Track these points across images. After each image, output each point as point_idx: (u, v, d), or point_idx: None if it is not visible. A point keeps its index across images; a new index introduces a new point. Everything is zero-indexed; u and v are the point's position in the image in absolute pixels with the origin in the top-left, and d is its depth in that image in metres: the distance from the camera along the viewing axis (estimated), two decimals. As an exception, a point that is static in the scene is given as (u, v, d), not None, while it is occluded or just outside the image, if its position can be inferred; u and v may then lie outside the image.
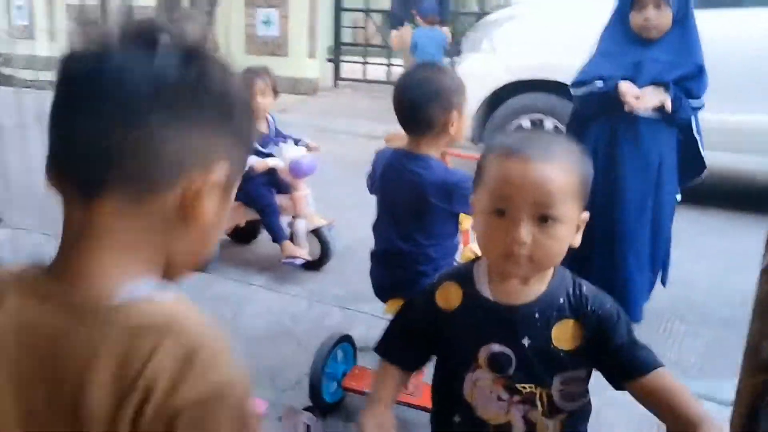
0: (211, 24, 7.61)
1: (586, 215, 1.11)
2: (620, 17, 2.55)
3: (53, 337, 0.64)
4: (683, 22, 2.46)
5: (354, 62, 9.14)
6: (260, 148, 3.15)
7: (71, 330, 0.63)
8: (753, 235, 1.64)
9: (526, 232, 1.02)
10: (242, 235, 3.53)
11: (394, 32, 7.11)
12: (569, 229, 1.07)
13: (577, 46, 4.39)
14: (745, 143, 4.02)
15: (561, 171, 1.05)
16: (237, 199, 2.93)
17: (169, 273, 0.72)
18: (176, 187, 0.66)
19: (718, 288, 3.09)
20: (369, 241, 2.09)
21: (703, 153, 2.61)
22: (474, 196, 1.14)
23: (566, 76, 4.48)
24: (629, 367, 1.08)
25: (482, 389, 1.13)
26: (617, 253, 2.59)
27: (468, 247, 2.28)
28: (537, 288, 1.12)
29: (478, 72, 4.74)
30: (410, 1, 6.68)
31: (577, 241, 1.10)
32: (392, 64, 8.71)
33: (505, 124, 4.62)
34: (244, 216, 3.31)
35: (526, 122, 4.62)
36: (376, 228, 2.06)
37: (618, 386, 1.11)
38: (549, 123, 4.56)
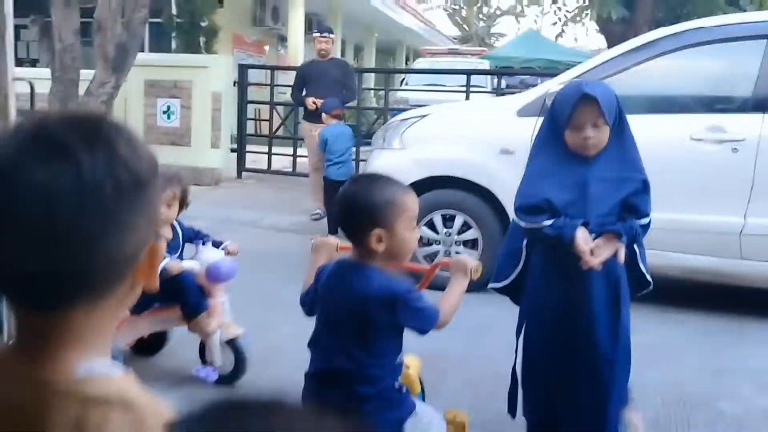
0: (109, 113, 7.34)
1: None
2: (554, 134, 2.37)
3: (20, 409, 0.70)
4: (620, 135, 2.33)
5: (259, 153, 9.06)
6: (167, 256, 2.92)
7: (34, 402, 0.70)
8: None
9: None
10: (146, 348, 3.23)
11: (305, 122, 7.11)
12: None
13: (485, 146, 4.64)
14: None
15: None
16: (145, 304, 2.72)
17: None
18: (129, 274, 0.73)
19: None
20: (284, 348, 1.93)
21: (643, 268, 2.44)
22: None
23: (475, 174, 4.68)
24: None
25: None
26: (596, 374, 2.36)
27: (409, 364, 2.16)
28: None
29: (390, 168, 4.75)
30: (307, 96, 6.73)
31: None
32: (298, 155, 8.70)
33: (419, 220, 4.62)
34: (149, 327, 3.03)
35: (437, 217, 4.66)
36: (313, 345, 1.91)
37: None
38: (460, 218, 4.62)
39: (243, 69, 9.11)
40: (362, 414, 1.75)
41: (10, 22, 2.47)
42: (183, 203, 3.02)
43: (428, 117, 4.86)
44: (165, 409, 0.73)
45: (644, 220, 2.34)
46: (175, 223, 3.08)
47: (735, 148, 3.94)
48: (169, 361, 3.22)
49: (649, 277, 2.48)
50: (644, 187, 2.34)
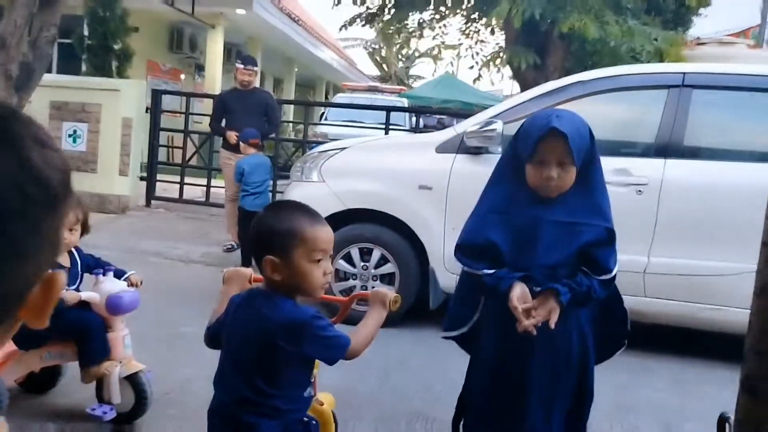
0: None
1: None
2: (513, 167, 2.12)
3: None
4: (588, 177, 2.06)
5: (170, 182, 8.76)
6: (66, 287, 2.72)
7: None
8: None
9: None
10: (37, 384, 2.97)
11: (223, 151, 6.92)
12: None
13: (403, 181, 4.65)
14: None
15: None
16: (38, 338, 2.51)
17: None
18: (18, 308, 0.59)
19: None
20: (188, 385, 1.81)
21: (627, 323, 2.31)
22: None
23: (393, 208, 4.68)
24: None
25: None
26: None
27: (318, 397, 2.07)
28: None
29: (309, 200, 4.67)
30: (231, 129, 6.58)
31: None
32: (212, 186, 8.47)
33: (335, 253, 4.57)
34: (40, 362, 2.79)
35: (354, 251, 4.62)
36: (218, 379, 1.79)
37: None
38: (377, 252, 4.59)
39: (157, 94, 8.85)
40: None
41: None
42: (84, 228, 2.84)
43: (347, 150, 4.84)
44: None
45: (605, 276, 2.06)
46: (74, 251, 2.88)
47: (639, 191, 4.13)
48: (63, 399, 2.97)
49: (626, 331, 2.29)
50: (608, 237, 2.07)
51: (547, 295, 1.99)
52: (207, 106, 9.37)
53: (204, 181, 8.61)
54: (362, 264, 4.63)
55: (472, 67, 11.05)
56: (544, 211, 2.04)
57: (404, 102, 15.50)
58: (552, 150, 1.98)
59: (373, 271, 4.62)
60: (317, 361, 1.87)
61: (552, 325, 1.97)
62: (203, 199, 8.58)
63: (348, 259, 4.65)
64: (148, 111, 8.73)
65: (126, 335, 2.84)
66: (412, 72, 34.79)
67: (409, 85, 29.65)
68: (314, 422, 1.84)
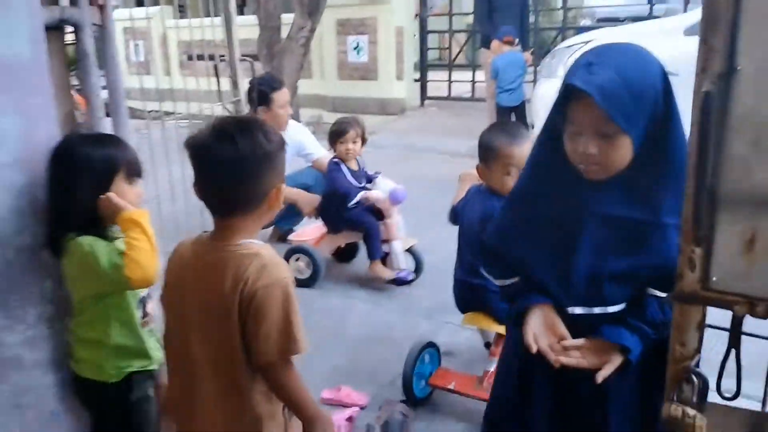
0: (307, 54, 8.26)
1: None
2: (551, 131, 1.43)
3: (208, 261, 1.38)
4: (661, 149, 1.34)
5: (439, 81, 9.58)
6: (355, 183, 3.66)
7: (215, 257, 1.37)
8: None
9: None
10: (343, 256, 4.06)
11: (484, 50, 7.44)
12: None
13: None
14: None
15: None
16: (342, 223, 3.52)
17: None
18: (264, 201, 1.39)
19: None
20: (451, 259, 2.51)
21: None
22: None
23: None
24: None
25: None
26: None
27: None
28: None
29: (552, 96, 5.08)
30: (492, 22, 7.01)
31: None
32: (476, 81, 9.08)
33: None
34: (345, 239, 3.85)
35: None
36: (457, 258, 2.48)
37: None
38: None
39: (423, 0, 9.56)
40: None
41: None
42: (363, 140, 3.72)
43: (591, 43, 5.03)
44: (279, 259, 1.38)
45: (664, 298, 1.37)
46: (357, 159, 3.78)
47: None
48: (359, 267, 4.00)
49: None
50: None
51: (605, 346, 1.39)
52: (469, 3, 9.82)
53: (470, 77, 9.26)
54: (609, 152, 4.90)
55: None
56: (591, 198, 1.39)
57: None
58: (584, 115, 1.31)
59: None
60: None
61: (599, 380, 1.36)
62: (469, 95, 9.26)
63: (595, 148, 4.96)
64: (417, 17, 9.52)
65: (399, 220, 3.71)
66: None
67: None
68: None
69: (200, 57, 3.17)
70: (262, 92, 3.76)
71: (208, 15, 3.03)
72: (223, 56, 3.15)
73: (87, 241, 1.54)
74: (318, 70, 9.89)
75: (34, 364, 1.64)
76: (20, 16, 1.52)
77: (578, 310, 1.42)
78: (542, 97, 5.24)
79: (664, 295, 1.34)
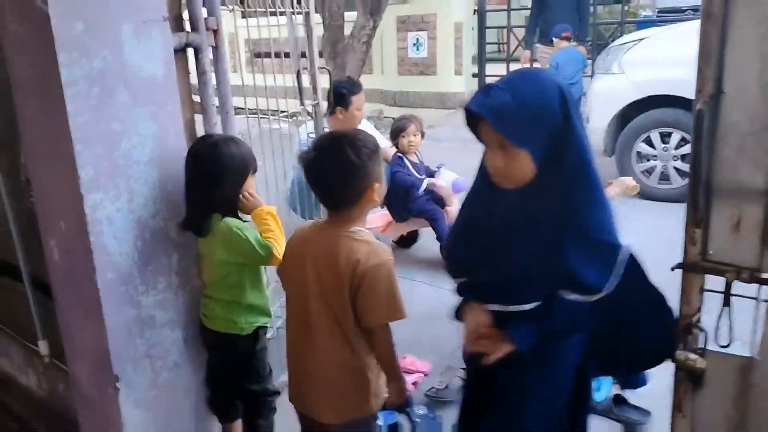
0: (368, 51, 8.62)
1: None
2: None
3: (325, 244, 1.72)
4: (561, 164, 1.46)
5: (497, 76, 9.75)
6: (417, 174, 4.00)
7: (331, 241, 1.70)
8: None
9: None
10: (405, 242, 4.41)
11: (525, 52, 7.69)
12: None
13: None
14: None
15: None
16: (408, 212, 3.87)
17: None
18: (366, 195, 1.71)
19: None
20: None
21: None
22: None
23: (690, 92, 4.89)
24: None
25: None
26: None
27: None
28: None
29: (609, 91, 5.29)
30: (543, 23, 7.22)
31: None
32: (534, 76, 9.23)
33: (636, 137, 5.13)
34: (407, 227, 4.21)
35: (655, 134, 5.09)
36: None
37: None
38: (677, 135, 4.99)
39: (482, -4, 9.77)
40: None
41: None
42: (422, 135, 4.09)
43: (646, 40, 5.21)
44: (384, 245, 1.70)
45: (593, 296, 1.50)
46: (417, 152, 4.13)
47: None
48: (423, 253, 4.33)
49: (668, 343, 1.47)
50: (587, 245, 1.48)
51: (502, 337, 1.59)
52: (528, -2, 9.98)
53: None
54: (663, 146, 5.09)
55: None
56: (508, 204, 1.54)
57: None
58: (486, 133, 1.49)
59: (673, 152, 5.05)
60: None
61: (484, 362, 1.60)
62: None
63: (648, 142, 5.14)
64: (475, 13, 9.74)
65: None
66: None
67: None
68: None
69: (272, 54, 3.19)
70: (342, 94, 4.02)
71: (273, 14, 2.88)
72: (287, 53, 3.16)
73: (234, 223, 1.94)
74: (378, 66, 10.25)
75: (163, 322, 2.03)
76: (157, 43, 1.90)
77: (496, 308, 1.62)
78: (597, 93, 5.43)
79: (573, 297, 1.49)
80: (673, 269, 1.34)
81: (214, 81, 2.17)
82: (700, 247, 1.30)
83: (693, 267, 1.31)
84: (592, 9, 8.56)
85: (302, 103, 2.95)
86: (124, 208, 1.88)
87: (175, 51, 1.99)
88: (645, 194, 4.84)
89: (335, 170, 1.66)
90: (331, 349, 1.75)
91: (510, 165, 1.47)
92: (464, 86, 9.55)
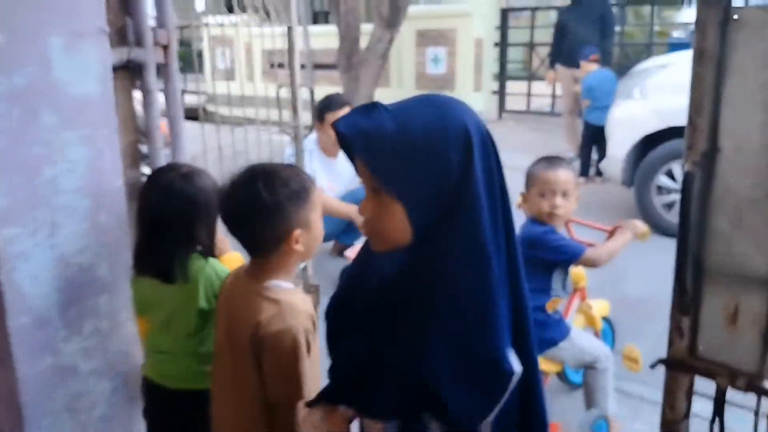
0: (384, 65, 8.40)
1: None
2: None
3: (236, 298, 1.48)
4: (449, 230, 1.03)
5: (518, 94, 9.50)
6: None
7: (241, 296, 1.46)
8: None
9: None
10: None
11: (550, 72, 7.41)
12: None
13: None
14: None
15: None
16: None
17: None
18: (287, 242, 1.43)
19: None
20: None
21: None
22: None
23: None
24: None
25: None
26: None
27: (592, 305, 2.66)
28: None
29: (631, 118, 4.99)
30: (567, 44, 6.94)
31: None
32: (556, 95, 8.96)
33: (656, 169, 4.82)
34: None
35: (676, 166, 4.78)
36: None
37: None
38: (699, 167, 4.68)
39: (504, 13, 9.52)
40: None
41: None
42: None
43: (668, 67, 4.92)
44: (300, 305, 1.41)
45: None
46: None
47: None
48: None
49: None
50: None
51: None
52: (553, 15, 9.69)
53: (550, 91, 9.15)
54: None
55: None
56: (377, 272, 1.16)
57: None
58: (359, 164, 1.08)
59: (694, 184, 4.74)
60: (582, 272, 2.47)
61: None
62: (549, 110, 9.15)
63: (669, 174, 4.84)
64: (498, 29, 9.49)
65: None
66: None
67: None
68: (558, 315, 2.39)
69: (281, 65, 3.12)
70: (319, 110, 3.96)
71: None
72: (281, 64, 3.01)
73: (221, 267, 1.68)
74: (396, 79, 10.03)
75: (88, 372, 1.81)
76: (92, 58, 1.69)
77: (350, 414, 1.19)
78: (617, 120, 5.14)
79: (434, 426, 1.02)
80: (652, 366, 1.07)
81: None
82: (688, 340, 1.03)
83: (679, 365, 1.05)
84: (619, 29, 8.26)
85: (280, 123, 2.74)
86: (43, 242, 1.66)
87: (116, 68, 1.78)
88: (663, 230, 4.53)
89: (244, 208, 1.41)
90: (236, 423, 1.49)
91: (381, 218, 1.04)
92: (483, 104, 9.28)
